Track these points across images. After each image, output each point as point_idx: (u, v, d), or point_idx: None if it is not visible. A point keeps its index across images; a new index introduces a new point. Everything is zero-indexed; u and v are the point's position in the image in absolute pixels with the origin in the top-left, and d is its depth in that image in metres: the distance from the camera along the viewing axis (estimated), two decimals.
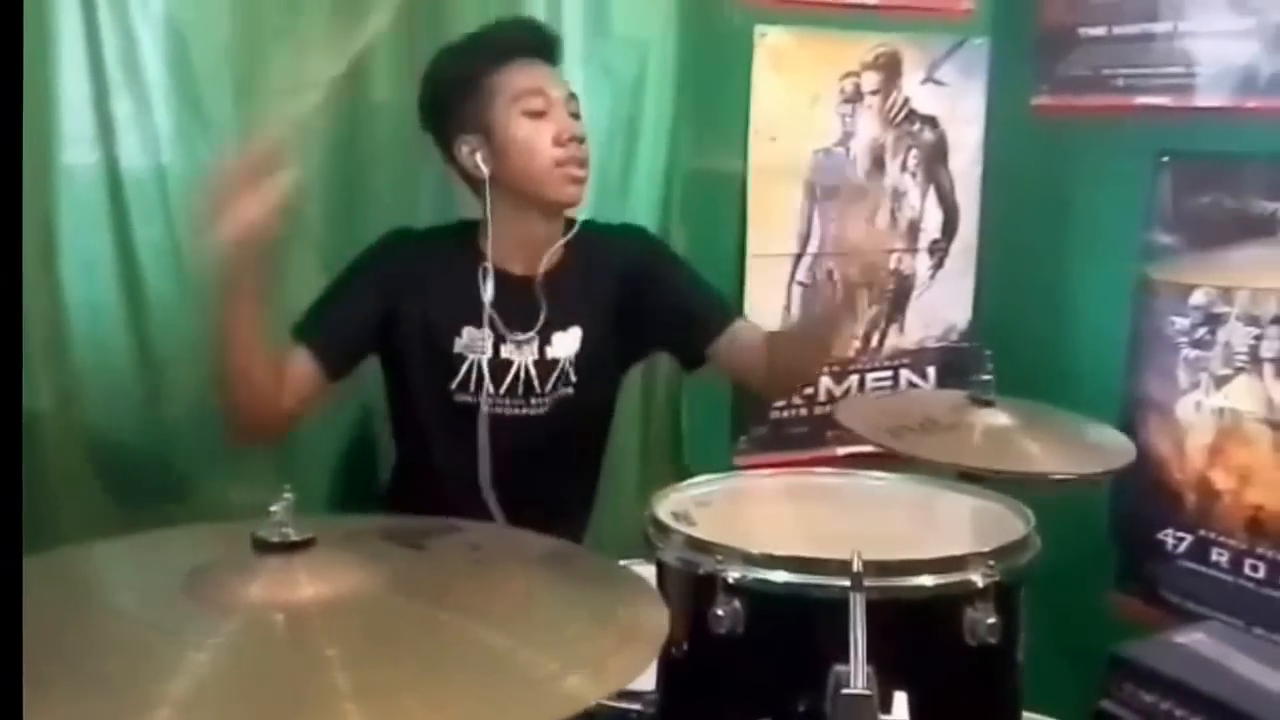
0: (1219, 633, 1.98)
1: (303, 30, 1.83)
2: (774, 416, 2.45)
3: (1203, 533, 2.19)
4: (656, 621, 0.87)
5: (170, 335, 1.79)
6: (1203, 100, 2.13)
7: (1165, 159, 2.19)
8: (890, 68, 2.42)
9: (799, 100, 2.34)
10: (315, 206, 1.86)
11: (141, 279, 1.77)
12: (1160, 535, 2.26)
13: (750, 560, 1.00)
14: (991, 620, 0.98)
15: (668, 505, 1.13)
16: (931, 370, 2.61)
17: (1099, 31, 2.31)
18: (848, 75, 2.38)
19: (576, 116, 1.72)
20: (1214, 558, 2.18)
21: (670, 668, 1.07)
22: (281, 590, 0.84)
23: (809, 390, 2.47)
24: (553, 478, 1.74)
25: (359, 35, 1.85)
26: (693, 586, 1.02)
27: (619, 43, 2.09)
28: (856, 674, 0.92)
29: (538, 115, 1.67)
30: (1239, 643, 1.94)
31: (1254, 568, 2.11)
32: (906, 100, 2.45)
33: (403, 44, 1.88)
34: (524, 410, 1.73)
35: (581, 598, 0.92)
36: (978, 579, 0.98)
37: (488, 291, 1.68)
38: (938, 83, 2.47)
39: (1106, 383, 2.30)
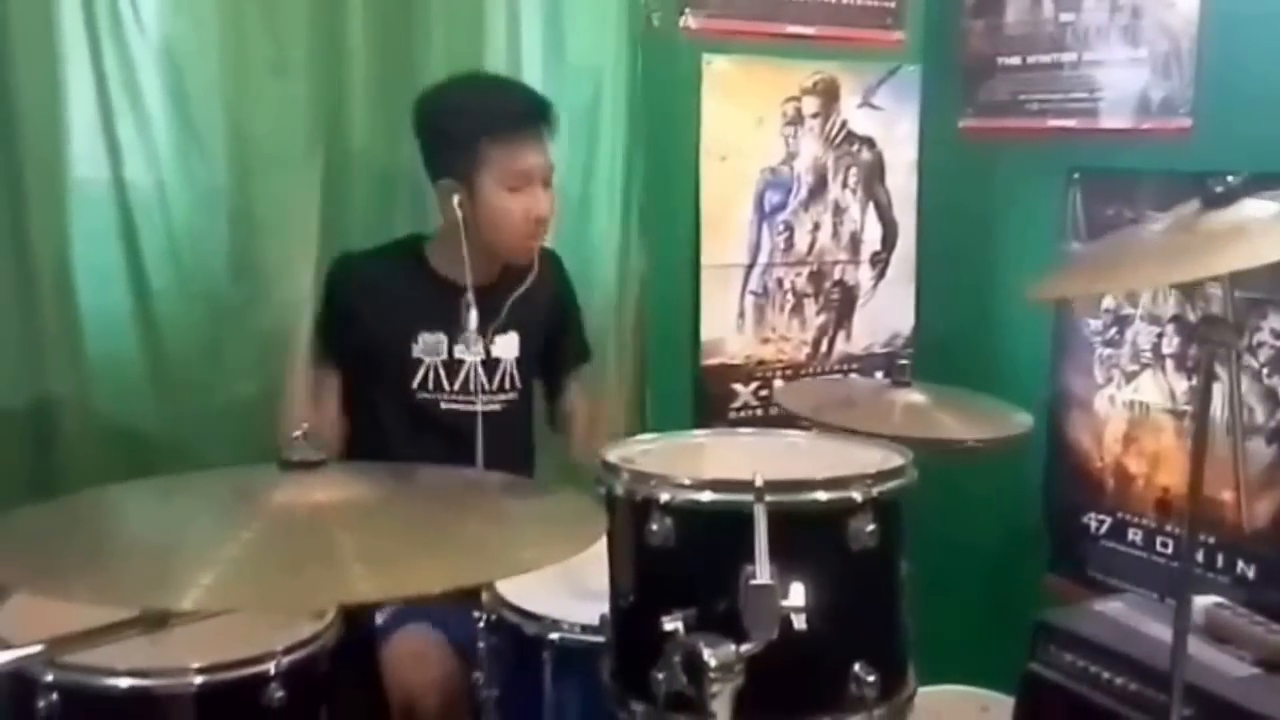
0: (1134, 602, 2.31)
1: (285, 58, 2.13)
2: (731, 417, 2.75)
3: (1120, 515, 2.51)
4: (597, 518, 1.17)
5: (174, 334, 2.09)
6: (1106, 122, 2.49)
7: (1075, 175, 2.54)
8: (829, 93, 2.76)
9: (745, 123, 2.68)
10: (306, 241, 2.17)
11: (148, 285, 2.06)
12: (1085, 519, 2.57)
13: (679, 484, 1.30)
14: (870, 528, 1.28)
15: (616, 452, 1.43)
16: (879, 375, 2.92)
17: (1015, 61, 2.67)
18: (789, 100, 2.72)
19: (549, 184, 2.08)
20: (1130, 537, 2.49)
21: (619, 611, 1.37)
22: (303, 494, 1.14)
23: (764, 392, 2.78)
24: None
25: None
26: (633, 510, 1.31)
27: (575, 71, 2.42)
28: (761, 569, 1.22)
29: (516, 190, 2.02)
30: (1152, 611, 2.25)
31: (1164, 544, 2.43)
32: (845, 123, 2.79)
33: (375, 90, 2.20)
34: (474, 406, 2.06)
35: (541, 505, 1.22)
36: (858, 495, 1.29)
37: (470, 317, 2.01)
38: (873, 107, 2.82)
39: (1033, 380, 2.63)
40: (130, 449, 2.05)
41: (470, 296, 1.99)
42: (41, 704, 1.42)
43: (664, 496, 1.29)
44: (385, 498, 1.17)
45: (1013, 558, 2.73)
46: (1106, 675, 2.08)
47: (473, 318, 2.00)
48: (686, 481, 1.30)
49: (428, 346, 2.05)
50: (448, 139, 2.02)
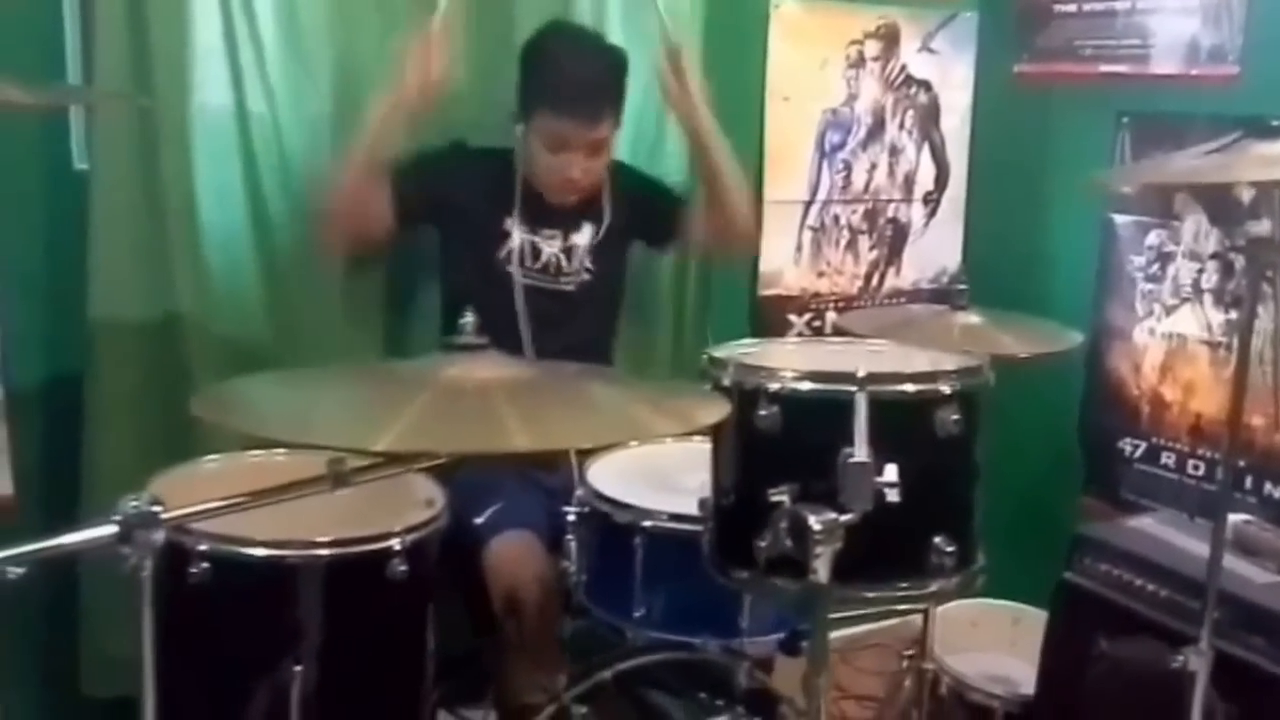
0: (1165, 519, 2.47)
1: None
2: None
3: (1155, 439, 2.67)
4: (717, 402, 1.35)
5: (285, 250, 2.26)
6: (1156, 68, 2.62)
7: (1125, 119, 2.67)
8: (890, 37, 2.89)
9: (809, 65, 2.82)
10: None
11: (264, 202, 2.23)
12: (1120, 443, 2.74)
13: (785, 376, 1.46)
14: (955, 418, 1.45)
15: (722, 350, 1.60)
16: None
17: (1070, 7, 2.80)
18: (852, 43, 2.86)
19: (595, 153, 2.24)
20: (1163, 460, 2.66)
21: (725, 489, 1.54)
22: (469, 371, 1.31)
23: (817, 323, 2.94)
24: (577, 343, 2.25)
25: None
26: (743, 398, 1.48)
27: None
28: (860, 449, 1.39)
29: (554, 151, 2.23)
30: (1182, 526, 2.42)
31: (1195, 467, 2.60)
32: (904, 66, 2.93)
33: (469, 33, 2.31)
34: (555, 285, 2.31)
35: (668, 389, 1.39)
36: (945, 388, 1.45)
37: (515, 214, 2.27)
38: (932, 51, 2.95)
39: (1078, 313, 2.77)
40: (244, 351, 2.23)
41: (517, 214, 2.27)
42: (194, 570, 1.60)
43: (773, 386, 1.46)
44: (537, 377, 1.34)
45: (1049, 479, 2.90)
46: (1139, 582, 2.25)
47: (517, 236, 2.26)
48: (791, 373, 1.46)
49: (516, 226, 2.28)
50: (520, 87, 2.25)
